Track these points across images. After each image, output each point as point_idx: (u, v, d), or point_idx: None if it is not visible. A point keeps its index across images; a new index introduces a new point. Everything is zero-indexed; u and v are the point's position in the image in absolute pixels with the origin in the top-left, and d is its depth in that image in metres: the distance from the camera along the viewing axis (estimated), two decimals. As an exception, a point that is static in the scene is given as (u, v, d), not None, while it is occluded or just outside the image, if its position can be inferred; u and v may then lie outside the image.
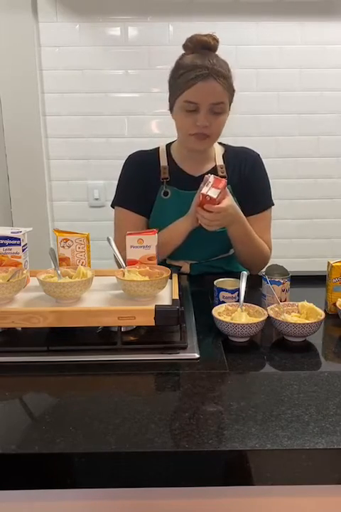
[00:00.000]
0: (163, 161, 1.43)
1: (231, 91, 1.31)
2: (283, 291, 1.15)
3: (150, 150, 1.48)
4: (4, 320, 0.93)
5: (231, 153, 1.46)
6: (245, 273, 1.14)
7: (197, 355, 0.92)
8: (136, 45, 2.28)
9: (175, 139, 1.50)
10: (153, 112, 2.34)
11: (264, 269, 1.23)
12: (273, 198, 1.54)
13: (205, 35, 1.30)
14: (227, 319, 1.02)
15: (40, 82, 2.29)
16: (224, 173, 1.41)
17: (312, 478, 0.69)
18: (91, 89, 2.30)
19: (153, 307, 0.93)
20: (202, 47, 1.29)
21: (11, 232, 1.11)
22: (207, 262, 1.47)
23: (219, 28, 2.26)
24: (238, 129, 2.39)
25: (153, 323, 0.93)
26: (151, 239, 1.16)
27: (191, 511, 0.75)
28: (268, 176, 1.52)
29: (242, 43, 2.30)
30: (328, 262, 1.16)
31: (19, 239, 1.10)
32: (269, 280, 1.13)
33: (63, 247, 1.14)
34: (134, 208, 1.43)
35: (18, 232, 1.11)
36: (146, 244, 1.15)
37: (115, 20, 2.24)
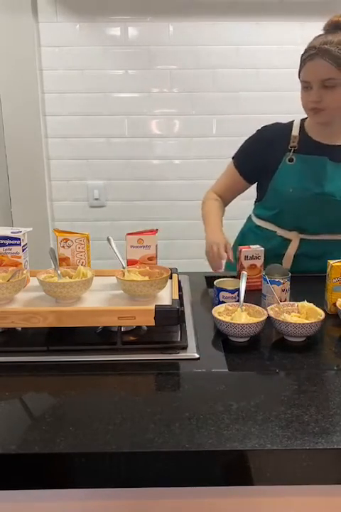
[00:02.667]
0: (295, 132, 1.49)
1: None
2: (283, 291, 1.15)
3: (286, 123, 1.54)
4: (4, 320, 0.93)
5: None
6: (245, 273, 1.14)
7: (197, 355, 0.92)
8: (136, 45, 2.28)
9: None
10: (153, 112, 2.34)
11: (264, 269, 1.23)
12: None
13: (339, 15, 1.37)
14: (227, 319, 1.02)
15: (40, 82, 2.29)
16: None
17: (312, 478, 0.69)
18: (91, 89, 2.31)
19: (153, 307, 0.93)
20: (334, 27, 1.37)
21: (11, 232, 1.11)
22: (319, 242, 1.46)
23: (219, 28, 2.28)
24: (238, 129, 2.40)
25: (153, 323, 0.93)
26: (151, 239, 1.16)
27: (191, 511, 0.75)
28: None
29: (242, 43, 2.30)
30: (328, 262, 1.16)
31: (19, 239, 1.10)
32: (269, 280, 1.13)
33: (63, 247, 1.14)
34: (243, 172, 1.55)
35: (18, 232, 1.11)
36: (146, 244, 1.15)
37: (115, 20, 2.25)
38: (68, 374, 0.87)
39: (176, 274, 1.18)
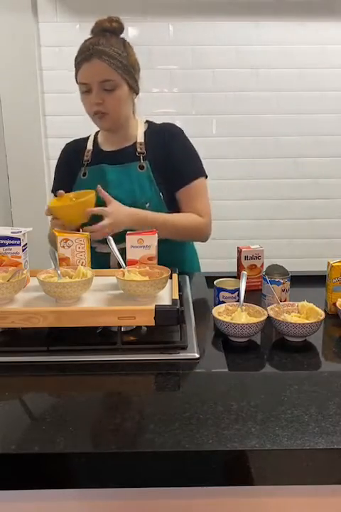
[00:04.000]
0: (89, 146, 1.50)
1: (124, 69, 1.35)
2: (283, 291, 1.15)
3: (83, 137, 1.54)
4: (4, 320, 0.93)
5: (153, 130, 1.48)
6: (245, 273, 1.14)
7: (197, 355, 0.92)
8: (136, 45, 2.28)
9: None
10: (153, 112, 2.33)
11: (264, 269, 1.23)
12: (207, 171, 1.50)
13: (106, 19, 1.37)
14: (227, 319, 1.02)
15: (40, 82, 2.29)
16: (143, 150, 1.42)
17: (312, 478, 0.69)
18: (91, 89, 2.30)
19: (153, 307, 0.93)
20: (102, 30, 1.35)
21: (11, 232, 1.11)
22: None
23: (219, 28, 2.28)
24: (238, 129, 2.40)
25: (153, 323, 0.93)
26: (151, 239, 1.16)
27: (191, 511, 0.75)
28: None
29: (242, 43, 2.30)
30: (328, 262, 1.16)
31: (19, 239, 1.10)
32: (269, 280, 1.13)
33: (63, 247, 1.14)
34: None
35: (18, 232, 1.11)
36: (146, 244, 1.15)
37: (115, 20, 2.24)
38: (68, 374, 0.87)
39: (176, 274, 1.18)
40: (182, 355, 0.93)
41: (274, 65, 2.33)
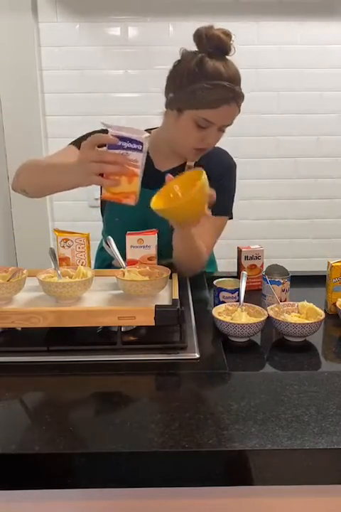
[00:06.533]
0: None
1: None
2: (283, 291, 1.15)
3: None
4: (4, 320, 0.93)
5: (208, 153, 1.34)
6: (245, 273, 1.14)
7: (197, 355, 0.92)
8: (136, 45, 2.28)
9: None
10: (153, 112, 2.33)
11: (264, 269, 1.24)
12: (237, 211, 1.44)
13: (224, 33, 1.15)
14: (227, 319, 1.02)
15: (40, 82, 2.29)
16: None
17: (312, 478, 0.69)
18: (91, 89, 2.31)
19: (153, 307, 0.93)
20: (221, 50, 1.16)
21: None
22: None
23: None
24: (238, 129, 2.39)
25: (153, 323, 0.93)
26: (151, 239, 1.16)
27: (191, 511, 0.75)
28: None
29: (242, 43, 2.29)
30: (328, 262, 1.16)
31: (141, 143, 0.86)
32: (269, 280, 1.13)
33: (63, 247, 1.14)
34: None
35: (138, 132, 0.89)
36: (146, 244, 1.15)
37: (115, 20, 2.25)
38: (68, 374, 0.87)
39: (176, 274, 1.18)
40: (182, 355, 0.93)
41: (274, 65, 2.33)
